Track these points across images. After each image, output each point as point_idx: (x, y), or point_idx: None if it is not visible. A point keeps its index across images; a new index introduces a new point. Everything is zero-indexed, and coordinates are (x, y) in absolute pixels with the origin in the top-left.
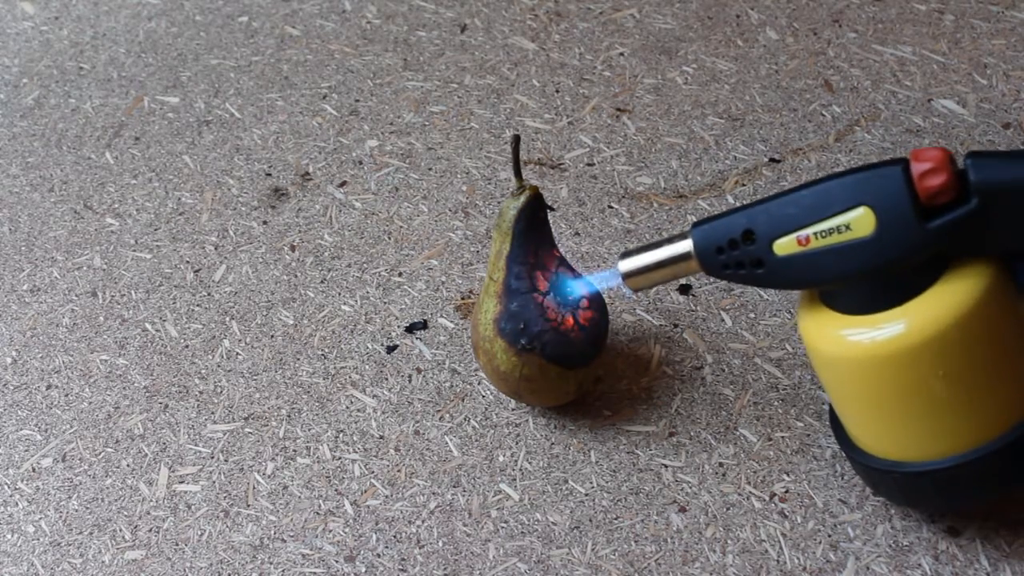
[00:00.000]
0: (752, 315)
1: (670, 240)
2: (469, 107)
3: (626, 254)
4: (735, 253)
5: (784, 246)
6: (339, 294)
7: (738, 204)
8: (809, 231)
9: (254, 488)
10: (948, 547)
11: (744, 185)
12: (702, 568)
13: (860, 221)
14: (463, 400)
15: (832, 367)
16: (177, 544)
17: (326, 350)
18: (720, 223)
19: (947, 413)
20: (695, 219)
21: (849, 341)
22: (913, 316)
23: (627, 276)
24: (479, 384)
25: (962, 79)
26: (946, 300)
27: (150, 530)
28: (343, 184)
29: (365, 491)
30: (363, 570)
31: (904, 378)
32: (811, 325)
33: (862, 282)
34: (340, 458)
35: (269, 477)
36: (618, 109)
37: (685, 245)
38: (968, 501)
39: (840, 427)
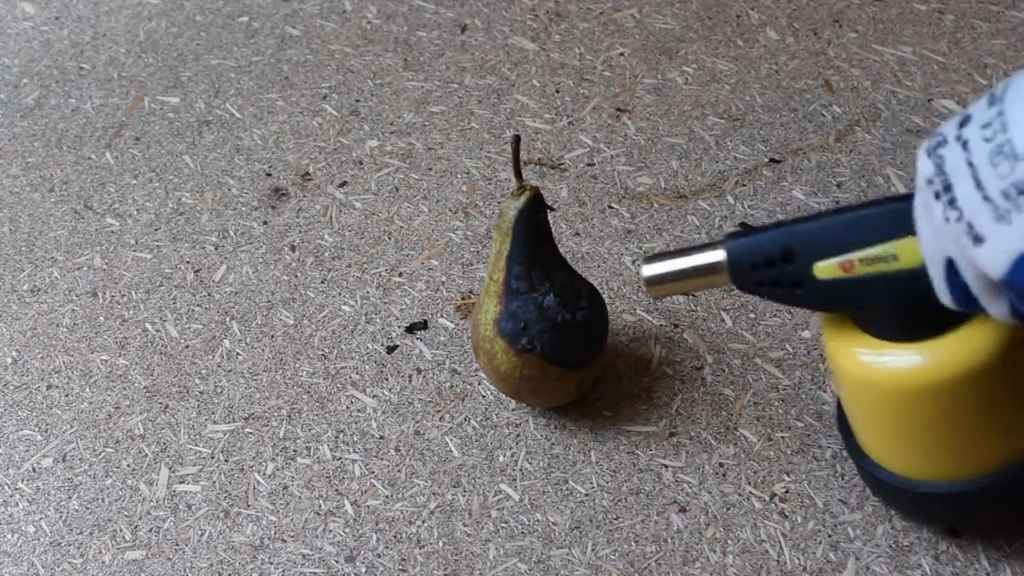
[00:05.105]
0: (752, 315)
1: (699, 249)
2: (469, 107)
3: (650, 259)
4: (772, 271)
5: (825, 269)
6: (339, 294)
7: (736, 203)
8: (854, 256)
9: (254, 488)
10: (948, 547)
11: (744, 185)
12: (702, 568)
13: (908, 251)
14: (463, 400)
15: (845, 381)
16: (177, 544)
17: (326, 350)
18: (758, 239)
19: (958, 442)
20: (695, 219)
21: (863, 362)
22: (932, 354)
23: (650, 282)
24: (479, 384)
25: (962, 79)
26: (969, 346)
27: (150, 530)
28: (343, 184)
29: (365, 491)
30: (363, 570)
31: (915, 409)
32: (831, 334)
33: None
34: (340, 458)
35: (269, 477)
36: (618, 109)
37: (716, 255)
38: (980, 523)
39: (849, 434)
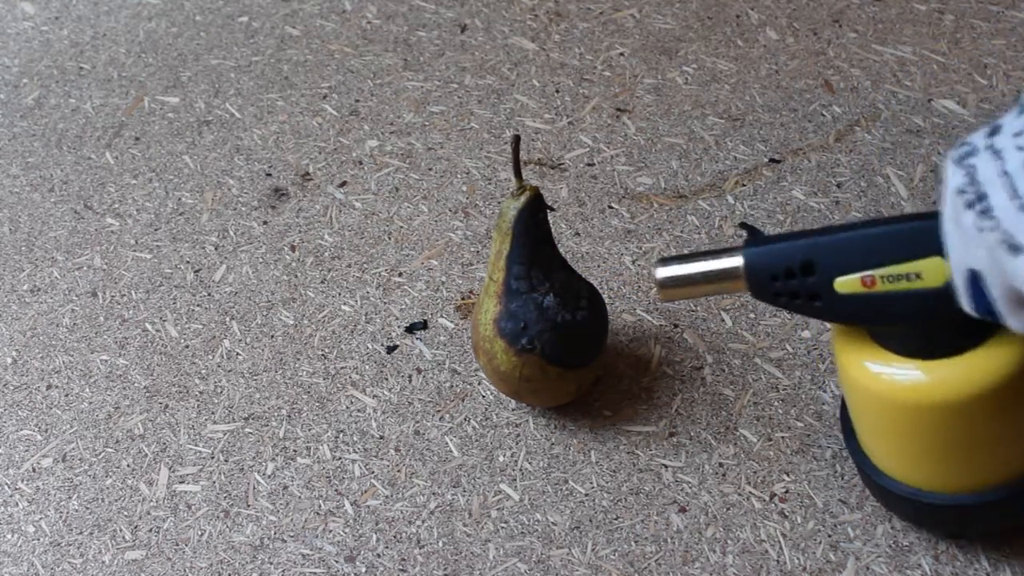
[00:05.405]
0: (752, 315)
1: (715, 254)
2: (469, 107)
3: (664, 261)
4: (791, 283)
5: (846, 284)
6: (339, 294)
7: (736, 203)
8: (876, 273)
9: (254, 488)
10: (948, 547)
11: (744, 185)
12: (702, 568)
13: (933, 271)
14: (463, 400)
15: (855, 390)
16: (177, 544)
17: (326, 350)
18: (778, 249)
19: (964, 458)
20: (695, 219)
21: (875, 374)
22: (945, 373)
23: (663, 285)
24: (479, 384)
25: (962, 79)
26: (982, 368)
27: (150, 530)
28: (343, 184)
29: (365, 491)
30: (363, 570)
31: (924, 424)
32: (842, 343)
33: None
34: (340, 458)
35: (269, 477)
36: (618, 109)
37: (733, 262)
38: (985, 532)
39: (852, 437)
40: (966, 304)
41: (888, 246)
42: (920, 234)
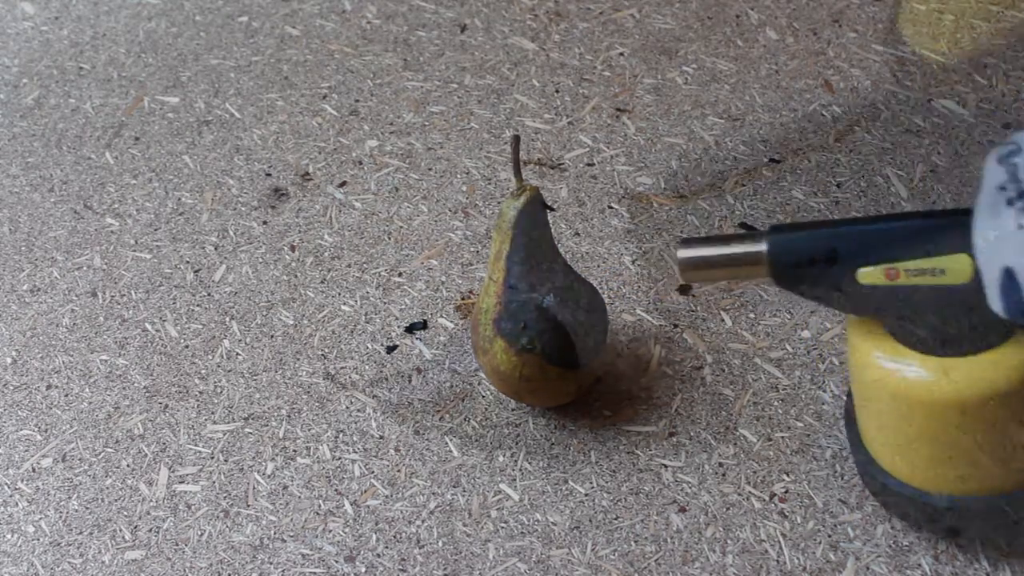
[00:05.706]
0: (752, 315)
1: (739, 238)
2: (469, 107)
3: (687, 242)
4: (813, 271)
5: (869, 275)
6: (339, 294)
7: (735, 203)
8: (900, 266)
9: (254, 488)
10: (948, 547)
11: (744, 185)
12: (702, 568)
13: (957, 268)
14: (463, 400)
15: (863, 382)
16: (177, 544)
17: (326, 350)
18: (804, 236)
19: (966, 460)
20: (695, 219)
21: (878, 364)
22: (955, 372)
23: (685, 267)
24: (479, 384)
25: (962, 79)
26: (992, 370)
27: (150, 530)
28: (343, 184)
29: (365, 491)
30: (363, 570)
31: (924, 422)
32: (856, 333)
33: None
34: (340, 458)
35: (269, 477)
36: (618, 109)
37: (757, 247)
38: (985, 534)
39: (857, 435)
40: (996, 304)
41: (914, 240)
42: (950, 231)
